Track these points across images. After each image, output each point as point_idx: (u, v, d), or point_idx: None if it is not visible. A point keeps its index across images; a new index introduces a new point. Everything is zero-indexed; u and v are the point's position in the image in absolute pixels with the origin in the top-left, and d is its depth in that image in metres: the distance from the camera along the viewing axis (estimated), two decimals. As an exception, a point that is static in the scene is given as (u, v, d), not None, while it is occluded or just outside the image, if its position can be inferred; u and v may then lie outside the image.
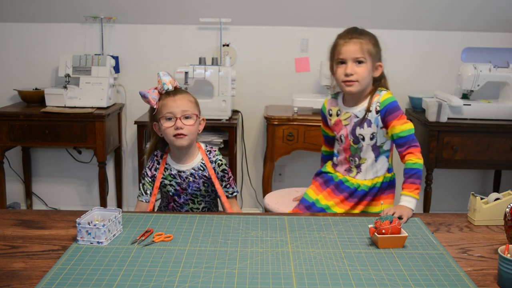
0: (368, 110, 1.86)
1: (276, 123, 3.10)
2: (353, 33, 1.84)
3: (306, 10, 3.40)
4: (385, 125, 1.85)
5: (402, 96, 3.55)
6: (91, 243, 1.44)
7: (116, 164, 3.68)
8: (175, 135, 1.82)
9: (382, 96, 1.85)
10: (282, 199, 2.24)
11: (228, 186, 1.96)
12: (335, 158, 2.03)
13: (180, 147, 1.86)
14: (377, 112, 1.85)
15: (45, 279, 1.24)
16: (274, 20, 3.48)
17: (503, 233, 1.55)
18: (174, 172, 1.91)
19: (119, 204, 3.72)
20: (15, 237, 1.50)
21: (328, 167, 2.05)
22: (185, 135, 1.82)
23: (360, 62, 1.82)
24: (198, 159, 1.92)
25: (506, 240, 1.47)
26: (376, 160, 1.91)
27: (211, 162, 1.92)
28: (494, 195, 1.66)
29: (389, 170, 1.96)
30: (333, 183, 1.97)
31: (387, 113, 1.83)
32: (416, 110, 3.40)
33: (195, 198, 1.93)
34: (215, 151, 1.96)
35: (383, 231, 1.43)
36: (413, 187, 1.77)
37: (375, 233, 1.45)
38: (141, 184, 1.96)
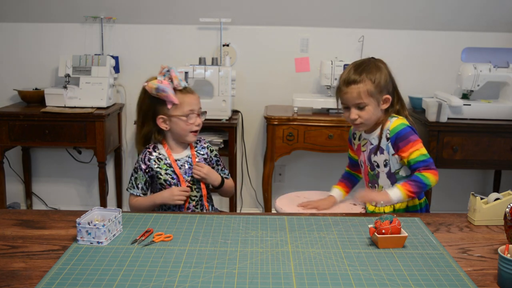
0: (380, 137, 1.88)
1: (276, 123, 3.10)
2: (351, 79, 1.83)
3: (306, 10, 3.40)
4: (397, 152, 1.85)
5: (402, 96, 3.54)
6: (91, 243, 1.44)
7: (116, 164, 3.68)
8: (192, 131, 1.91)
9: (392, 123, 1.86)
10: (293, 204, 2.16)
11: (224, 168, 2.08)
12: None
13: (190, 142, 1.96)
14: (387, 139, 1.86)
15: (45, 279, 1.24)
16: (274, 20, 3.48)
17: (503, 233, 1.55)
18: (169, 161, 1.95)
19: (119, 204, 3.72)
20: (15, 237, 1.49)
21: None
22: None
23: (361, 107, 1.84)
24: (189, 148, 2.00)
25: (506, 240, 1.47)
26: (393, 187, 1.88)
27: (203, 148, 2.02)
28: (494, 195, 1.66)
29: (419, 197, 1.91)
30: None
31: (397, 141, 1.83)
32: (416, 110, 3.40)
33: (192, 185, 1.97)
34: (203, 139, 2.06)
35: (383, 231, 1.43)
36: (406, 186, 1.79)
37: (375, 233, 1.45)
38: (133, 178, 1.97)
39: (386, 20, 3.45)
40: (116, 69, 3.44)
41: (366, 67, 1.87)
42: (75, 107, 3.20)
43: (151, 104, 1.92)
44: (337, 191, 2.07)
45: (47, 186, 3.74)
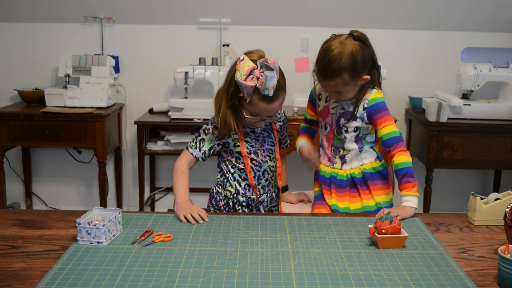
0: (356, 106, 1.87)
1: (276, 123, 3.10)
2: (327, 74, 1.79)
3: (306, 10, 3.40)
4: (371, 122, 1.87)
5: (402, 96, 3.55)
6: (91, 243, 1.44)
7: (116, 164, 3.68)
8: (253, 126, 1.85)
9: (372, 95, 1.86)
10: (293, 204, 2.18)
11: (286, 136, 2.07)
12: (320, 149, 2.05)
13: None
14: (364, 108, 1.87)
15: (45, 279, 1.24)
16: (274, 20, 3.48)
17: (503, 233, 1.55)
18: (247, 130, 1.88)
19: (119, 204, 3.72)
20: (15, 237, 1.50)
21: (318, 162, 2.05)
22: None
23: (340, 92, 1.83)
24: None
25: (506, 240, 1.47)
26: (360, 151, 1.92)
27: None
28: (494, 195, 1.66)
29: (379, 158, 1.96)
30: (328, 181, 1.96)
31: (374, 112, 1.85)
32: (416, 110, 3.40)
33: (271, 154, 1.93)
34: None
35: (383, 231, 1.43)
36: (409, 186, 1.77)
37: (375, 233, 1.45)
38: (198, 138, 1.85)
39: (386, 20, 3.45)
40: (116, 69, 3.44)
41: (341, 57, 1.77)
42: (75, 107, 3.20)
43: (235, 88, 1.76)
44: (304, 141, 2.10)
45: (47, 186, 3.74)
